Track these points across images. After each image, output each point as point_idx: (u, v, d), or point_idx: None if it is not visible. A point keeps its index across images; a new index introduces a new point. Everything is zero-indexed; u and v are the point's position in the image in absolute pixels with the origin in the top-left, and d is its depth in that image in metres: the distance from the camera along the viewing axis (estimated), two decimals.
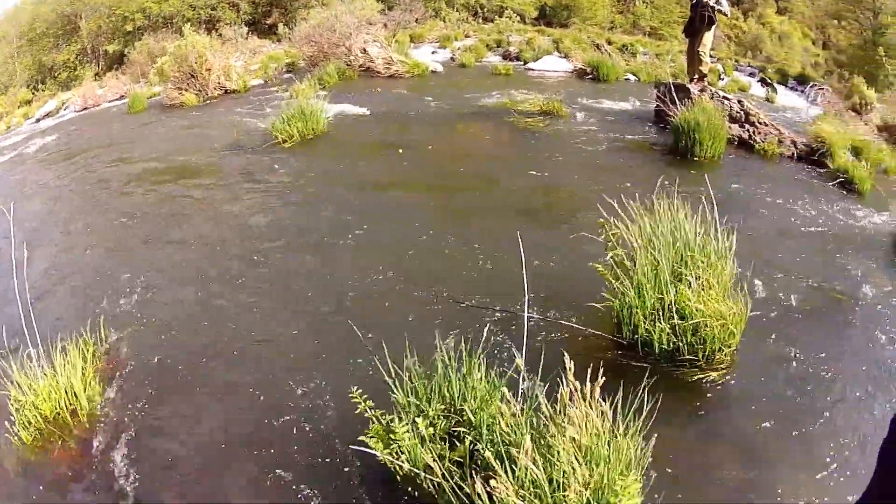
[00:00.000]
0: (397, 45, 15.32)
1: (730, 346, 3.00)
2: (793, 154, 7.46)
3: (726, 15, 8.32)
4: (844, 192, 6.34)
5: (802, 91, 17.86)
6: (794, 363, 3.18)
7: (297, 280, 4.13)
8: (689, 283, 2.87)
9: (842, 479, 2.44)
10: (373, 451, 2.04)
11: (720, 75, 17.93)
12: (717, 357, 2.95)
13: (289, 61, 14.90)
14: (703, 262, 3.02)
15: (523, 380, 2.16)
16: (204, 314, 3.80)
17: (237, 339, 3.52)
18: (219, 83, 11.63)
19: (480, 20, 30.32)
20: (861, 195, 6.38)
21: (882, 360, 3.30)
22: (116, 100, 13.99)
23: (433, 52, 17.86)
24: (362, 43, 12.99)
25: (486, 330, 2.62)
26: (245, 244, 4.76)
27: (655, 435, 2.11)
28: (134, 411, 2.96)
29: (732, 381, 2.96)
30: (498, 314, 3.45)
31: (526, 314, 2.64)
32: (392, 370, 2.34)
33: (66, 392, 2.90)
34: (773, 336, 3.40)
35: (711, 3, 8.01)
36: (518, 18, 30.77)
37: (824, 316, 3.74)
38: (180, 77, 11.45)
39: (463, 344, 2.38)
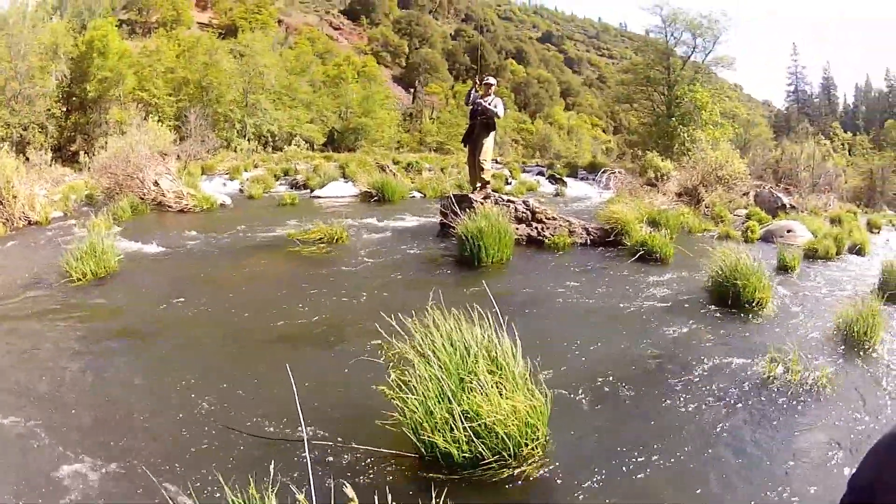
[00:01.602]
0: (189, 177, 17.09)
1: (536, 439, 3.51)
2: (586, 241, 8.96)
3: (499, 117, 9.89)
4: (645, 264, 7.69)
5: (593, 179, 21.36)
6: (609, 436, 3.83)
7: (75, 440, 3.90)
8: (477, 388, 3.36)
9: None
10: None
11: (507, 179, 20.89)
12: (526, 451, 3.45)
13: (87, 193, 15.76)
14: (489, 364, 3.57)
15: None
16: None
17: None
18: (23, 213, 11.90)
19: (270, 149, 32.90)
20: (664, 262, 7.80)
21: (695, 414, 4.10)
22: None
23: (224, 185, 20.13)
24: (155, 175, 14.36)
25: (272, 465, 2.81)
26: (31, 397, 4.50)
27: None
28: None
29: (546, 471, 3.46)
30: (284, 451, 3.61)
31: (306, 444, 2.92)
32: None
33: None
34: (584, 416, 4.08)
35: (488, 108, 9.54)
36: (307, 146, 33.80)
37: (633, 384, 4.53)
38: None
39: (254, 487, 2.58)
